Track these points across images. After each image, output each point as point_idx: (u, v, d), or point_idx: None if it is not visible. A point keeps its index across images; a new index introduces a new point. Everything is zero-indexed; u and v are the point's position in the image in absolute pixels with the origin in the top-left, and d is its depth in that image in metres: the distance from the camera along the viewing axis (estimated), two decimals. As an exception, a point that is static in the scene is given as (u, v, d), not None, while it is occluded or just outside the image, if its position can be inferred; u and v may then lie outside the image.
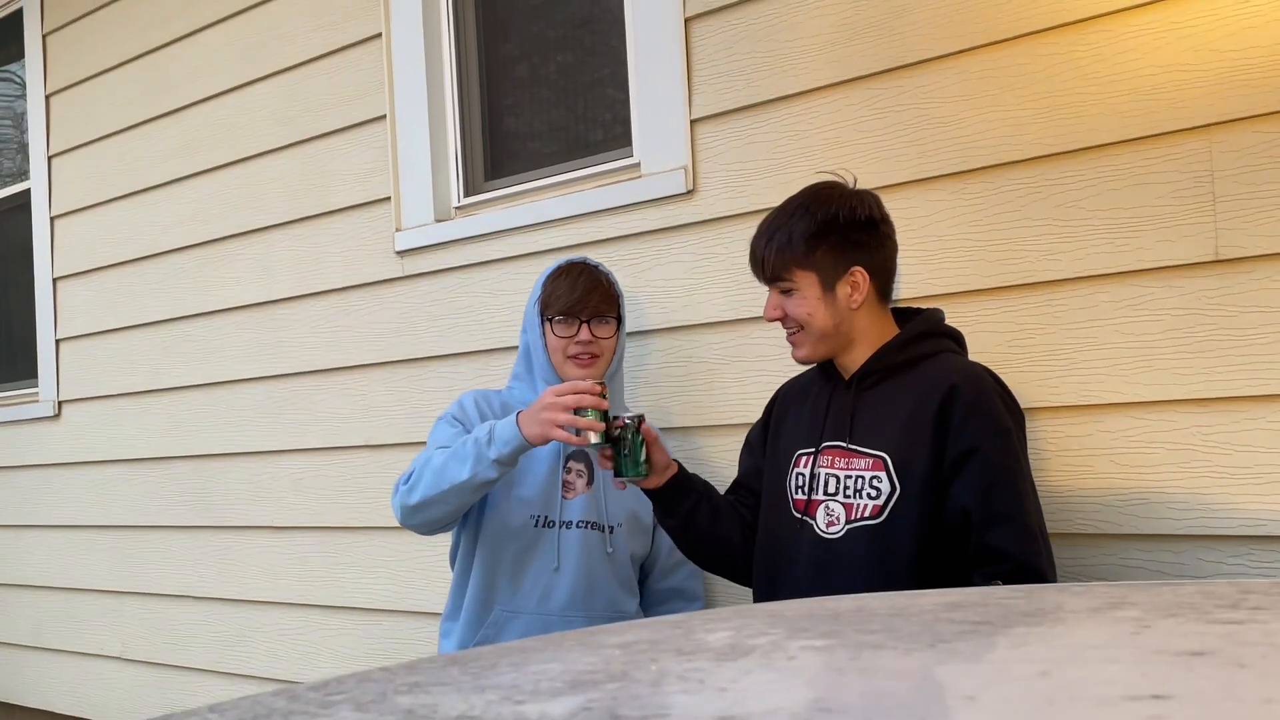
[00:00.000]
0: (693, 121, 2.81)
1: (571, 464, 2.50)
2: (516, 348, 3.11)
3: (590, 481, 2.50)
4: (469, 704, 0.86)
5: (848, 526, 2.04)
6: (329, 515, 3.63)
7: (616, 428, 2.12)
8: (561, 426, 2.17)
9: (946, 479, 1.99)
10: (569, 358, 2.47)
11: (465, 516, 2.50)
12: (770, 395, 2.34)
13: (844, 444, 2.08)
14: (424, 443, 3.32)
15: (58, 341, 4.59)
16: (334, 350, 3.61)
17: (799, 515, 2.11)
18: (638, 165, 2.94)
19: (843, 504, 2.05)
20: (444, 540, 3.29)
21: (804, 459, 2.13)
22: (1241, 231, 2.08)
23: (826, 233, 2.05)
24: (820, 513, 2.08)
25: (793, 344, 2.13)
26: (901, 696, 0.79)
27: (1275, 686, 0.74)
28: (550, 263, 3.07)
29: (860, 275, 2.07)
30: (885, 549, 1.99)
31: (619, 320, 2.53)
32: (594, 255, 2.98)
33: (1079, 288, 2.26)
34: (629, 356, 2.92)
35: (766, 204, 2.67)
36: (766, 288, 2.13)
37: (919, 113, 2.46)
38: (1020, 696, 0.76)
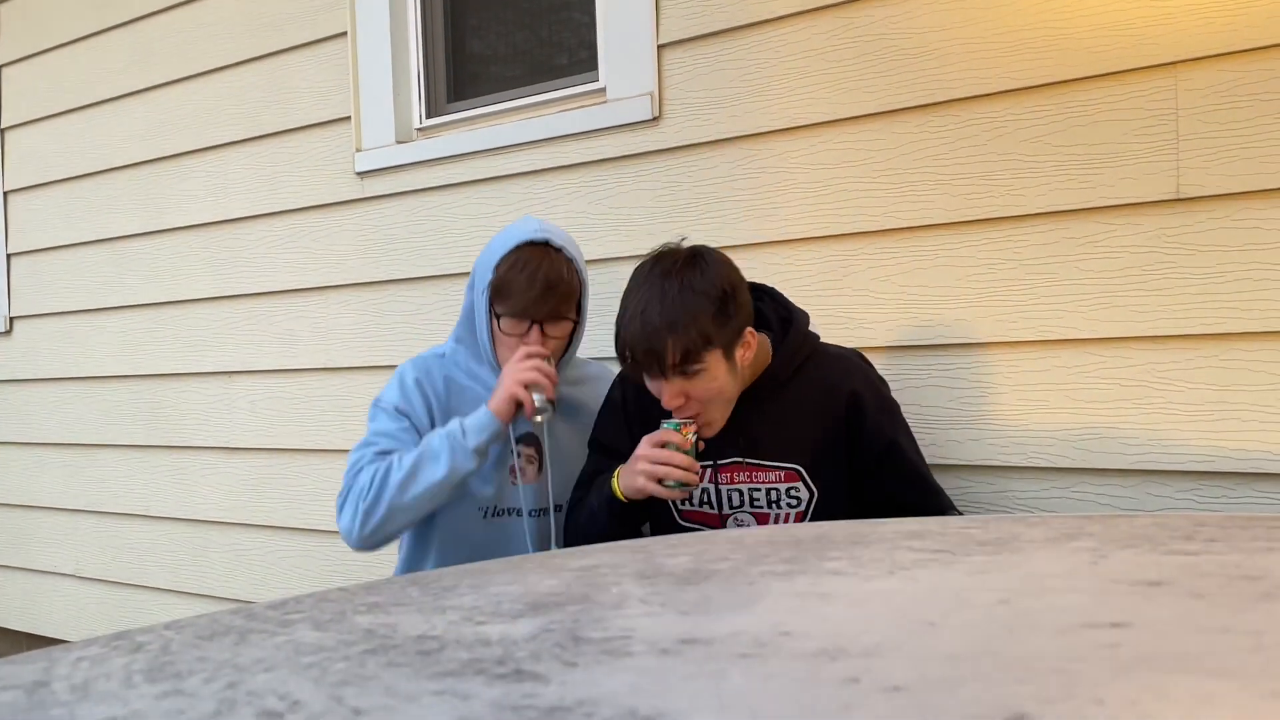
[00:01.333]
0: (660, 46, 2.77)
1: (521, 449, 2.33)
2: (477, 272, 3.09)
3: (541, 468, 2.34)
4: (430, 624, 0.86)
5: None
6: (285, 437, 3.61)
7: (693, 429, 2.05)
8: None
9: (868, 474, 2.10)
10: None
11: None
12: None
13: (746, 460, 2.11)
14: (381, 367, 3.31)
15: (9, 256, 4.51)
16: (292, 271, 3.57)
17: (692, 526, 2.15)
18: (603, 90, 2.91)
19: (753, 514, 2.12)
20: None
21: (704, 474, 2.10)
22: (1203, 170, 2.09)
23: (725, 307, 2.00)
24: (730, 525, 2.12)
25: (704, 425, 2.05)
26: (863, 622, 0.79)
27: (1230, 616, 0.75)
28: (511, 188, 3.05)
29: (750, 335, 2.06)
30: None
31: (578, 312, 2.30)
32: (558, 181, 2.95)
33: (1041, 224, 2.27)
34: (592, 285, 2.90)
35: (733, 133, 2.65)
36: (654, 382, 2.04)
37: (888, 44, 2.44)
38: (980, 623, 0.77)
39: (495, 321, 2.25)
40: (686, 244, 2.13)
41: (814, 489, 2.08)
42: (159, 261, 3.95)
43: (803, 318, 2.19)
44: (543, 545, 2.36)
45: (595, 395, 2.35)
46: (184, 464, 3.91)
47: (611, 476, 2.12)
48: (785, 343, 2.14)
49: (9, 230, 4.50)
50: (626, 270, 2.82)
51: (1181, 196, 2.11)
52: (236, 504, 3.76)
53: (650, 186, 2.80)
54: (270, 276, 3.62)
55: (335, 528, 3.56)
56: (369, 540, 2.24)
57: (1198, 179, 2.09)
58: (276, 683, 0.73)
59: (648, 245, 2.78)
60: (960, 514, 2.14)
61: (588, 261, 2.82)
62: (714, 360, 2.00)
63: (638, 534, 2.20)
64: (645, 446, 2.05)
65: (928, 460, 2.20)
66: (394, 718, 0.64)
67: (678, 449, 2.03)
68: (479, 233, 3.10)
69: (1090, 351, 2.22)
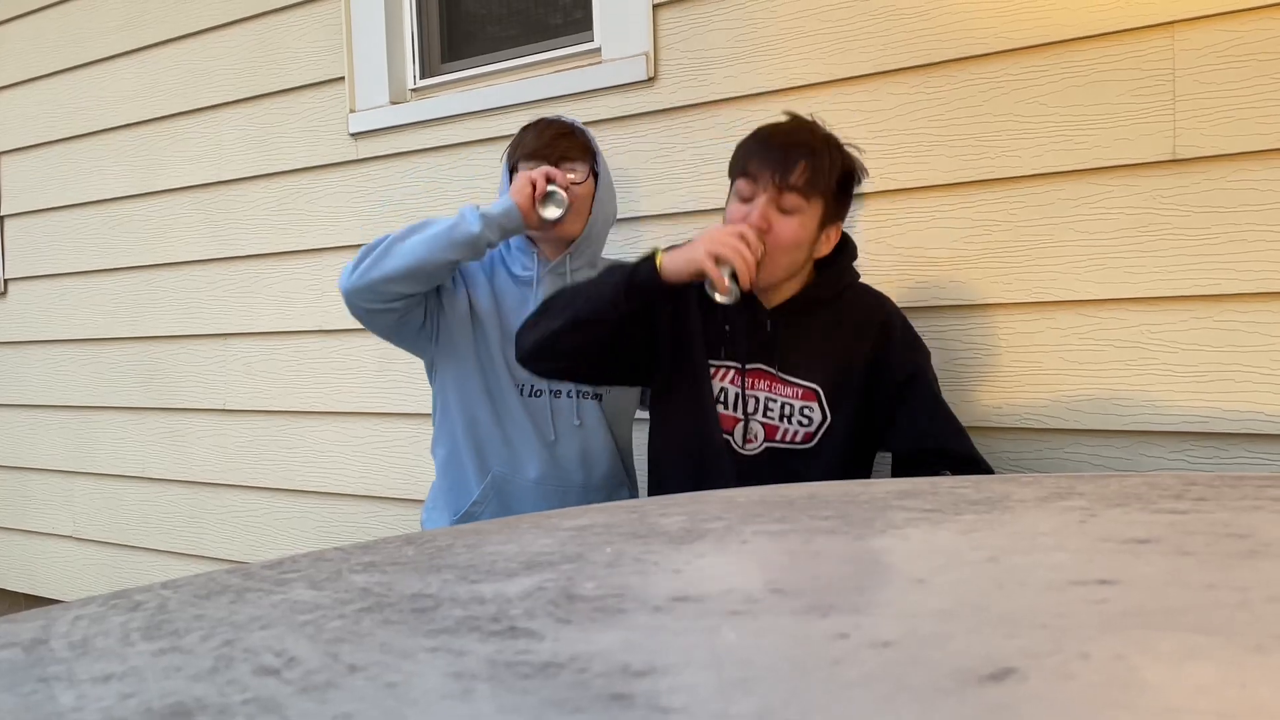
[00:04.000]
0: (655, 6, 2.76)
1: None
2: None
3: None
4: (425, 583, 0.87)
5: (765, 445, 2.09)
6: (281, 399, 3.61)
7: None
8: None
9: (890, 405, 2.08)
10: None
11: (447, 393, 2.39)
12: None
13: (771, 370, 2.10)
14: (378, 328, 3.31)
15: (2, 218, 4.49)
16: (287, 233, 3.56)
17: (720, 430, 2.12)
18: (598, 50, 2.89)
19: (762, 424, 2.10)
20: (398, 426, 3.29)
21: (728, 374, 2.12)
22: (1199, 131, 2.09)
23: (848, 183, 2.08)
24: (737, 430, 2.11)
25: (760, 276, 1.99)
26: (853, 579, 0.80)
27: (1217, 573, 0.76)
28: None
29: (837, 234, 2.12)
30: (810, 471, 2.06)
31: (595, 174, 2.34)
32: (552, 141, 2.94)
33: (1037, 185, 2.26)
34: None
35: (728, 94, 2.64)
36: (750, 193, 2.01)
37: (884, 3, 2.42)
38: (969, 580, 0.78)
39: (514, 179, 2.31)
40: None
41: (827, 414, 2.07)
42: (153, 223, 3.94)
43: (854, 249, 2.19)
44: (584, 425, 2.37)
45: None
46: (180, 426, 3.92)
47: (650, 253, 2.02)
48: (835, 265, 2.14)
49: (2, 192, 4.49)
50: (623, 233, 2.83)
51: (1178, 157, 2.11)
52: (232, 466, 3.77)
53: (646, 148, 2.79)
54: (265, 238, 3.61)
55: (333, 490, 3.58)
56: (358, 281, 2.22)
57: (1194, 140, 2.09)
58: (273, 640, 0.73)
59: (644, 207, 2.79)
60: (986, 466, 2.10)
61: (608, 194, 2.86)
62: (814, 211, 2.02)
63: (626, 338, 2.08)
64: (716, 229, 2.00)
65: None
66: (389, 674, 0.65)
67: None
68: (474, 194, 3.09)
69: (1085, 313, 2.23)
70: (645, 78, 2.77)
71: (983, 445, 2.34)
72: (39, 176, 4.33)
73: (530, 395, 2.35)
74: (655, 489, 2.20)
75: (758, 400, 2.09)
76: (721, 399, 2.11)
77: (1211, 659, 0.61)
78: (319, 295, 3.49)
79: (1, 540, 4.61)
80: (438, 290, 2.34)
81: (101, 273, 4.12)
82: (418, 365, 2.50)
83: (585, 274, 2.34)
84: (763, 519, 1.02)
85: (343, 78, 3.37)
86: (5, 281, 4.50)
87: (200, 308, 3.82)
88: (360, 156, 3.35)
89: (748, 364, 2.11)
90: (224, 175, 3.71)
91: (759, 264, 1.97)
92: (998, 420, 2.33)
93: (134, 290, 4.02)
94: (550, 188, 2.21)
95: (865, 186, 2.44)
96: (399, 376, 3.27)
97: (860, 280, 2.20)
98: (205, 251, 3.78)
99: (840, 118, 2.48)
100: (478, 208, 2.22)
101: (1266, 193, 2.04)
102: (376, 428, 3.36)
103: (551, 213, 2.22)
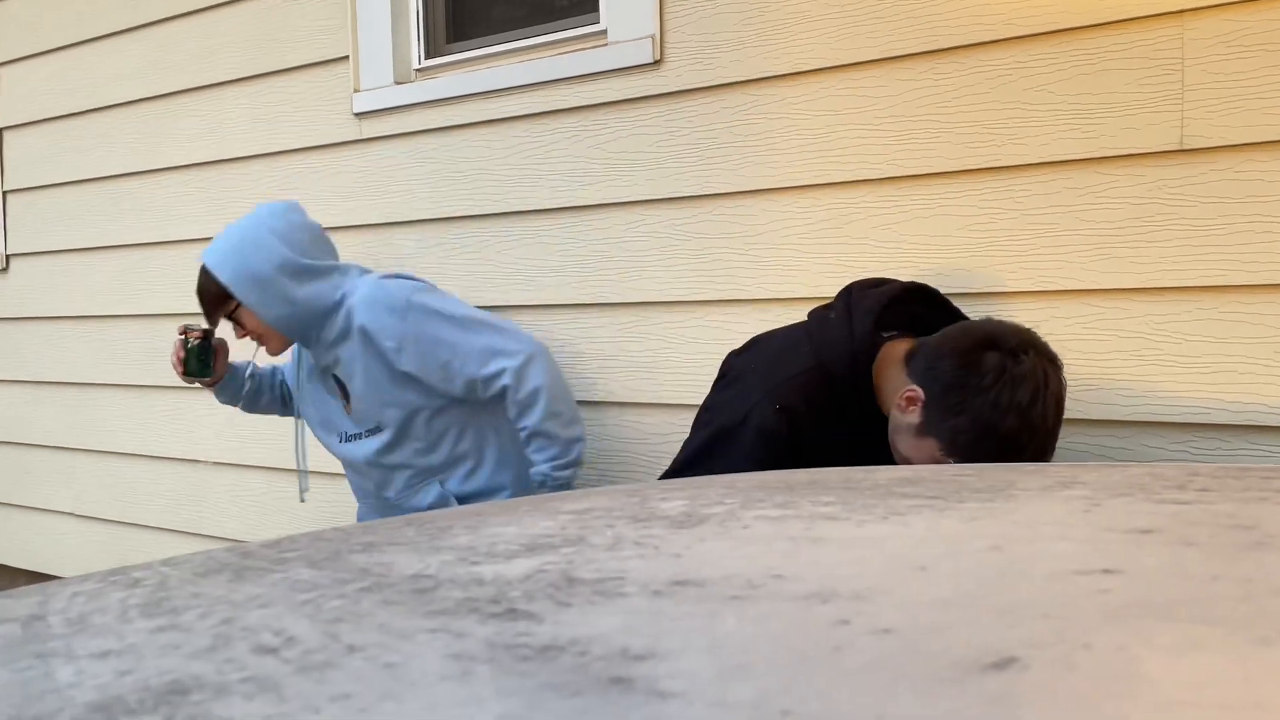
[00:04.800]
0: (662, -11, 2.74)
1: (335, 386, 2.75)
2: (473, 217, 3.09)
3: (347, 399, 2.72)
4: (424, 564, 0.86)
5: None
6: (282, 379, 3.61)
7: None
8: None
9: None
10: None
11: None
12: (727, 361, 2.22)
13: None
14: (380, 309, 3.30)
15: (4, 193, 4.49)
16: (289, 212, 3.55)
17: None
18: (604, 32, 2.88)
19: None
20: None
21: None
22: (1207, 121, 2.08)
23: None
24: None
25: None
26: (854, 566, 0.80)
27: (1221, 565, 0.76)
28: (510, 131, 3.03)
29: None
30: None
31: (238, 307, 2.63)
32: (557, 124, 2.93)
33: (1042, 173, 2.25)
34: (577, 233, 2.89)
35: (735, 78, 2.63)
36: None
37: (892, -12, 2.41)
38: (972, 569, 0.77)
39: None
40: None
41: None
42: (156, 201, 3.93)
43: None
44: (365, 459, 2.76)
45: (368, 316, 2.61)
46: (180, 404, 3.92)
47: None
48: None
49: (4, 168, 4.48)
50: (626, 216, 2.82)
51: (1185, 148, 2.10)
52: (233, 445, 3.77)
53: (651, 131, 2.78)
54: (268, 217, 3.60)
55: (334, 469, 3.58)
56: None
57: (1202, 130, 2.08)
58: (271, 619, 0.73)
59: (647, 191, 2.78)
60: None
61: (587, 206, 2.82)
62: None
63: None
64: None
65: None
66: (388, 654, 0.65)
67: None
68: (478, 175, 3.09)
69: (1088, 302, 2.22)
70: (651, 60, 2.75)
71: (984, 434, 2.34)
72: (42, 152, 4.32)
73: (346, 441, 2.77)
74: None
75: None
76: None
77: (1215, 651, 0.60)
78: (321, 275, 3.48)
79: (2, 516, 4.62)
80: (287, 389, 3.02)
81: (104, 249, 4.12)
82: (419, 346, 2.51)
83: (336, 349, 2.67)
84: (764, 504, 1.01)
85: (347, 57, 3.36)
86: (7, 257, 4.50)
87: (202, 286, 3.81)
88: (364, 136, 3.34)
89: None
90: (227, 154, 3.70)
91: None
92: (1000, 409, 2.32)
93: (136, 267, 4.02)
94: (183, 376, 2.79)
95: (871, 173, 2.44)
96: (400, 357, 3.27)
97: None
98: (208, 230, 3.77)
99: (845, 103, 2.48)
100: None
101: (1274, 184, 2.03)
102: (377, 408, 3.36)
103: (201, 377, 2.81)
